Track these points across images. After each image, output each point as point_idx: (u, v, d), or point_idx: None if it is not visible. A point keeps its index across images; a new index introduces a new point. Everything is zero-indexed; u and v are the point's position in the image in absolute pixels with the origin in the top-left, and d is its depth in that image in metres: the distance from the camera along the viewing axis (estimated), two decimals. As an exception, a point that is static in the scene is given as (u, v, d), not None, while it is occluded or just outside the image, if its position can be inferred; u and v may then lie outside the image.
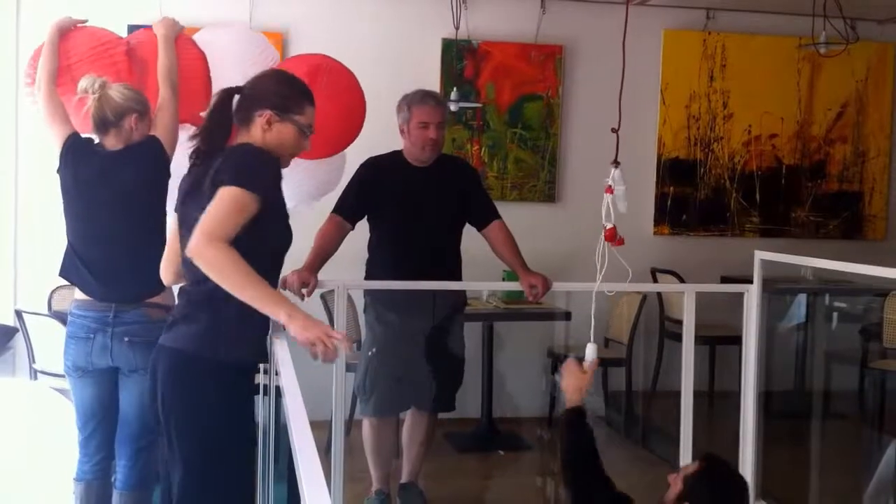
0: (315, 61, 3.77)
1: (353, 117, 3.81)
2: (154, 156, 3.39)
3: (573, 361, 3.09)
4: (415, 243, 4.07)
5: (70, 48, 3.65)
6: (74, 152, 3.45)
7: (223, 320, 2.61)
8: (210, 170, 2.62)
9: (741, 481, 2.65)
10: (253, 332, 2.69)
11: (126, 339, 3.34)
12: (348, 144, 3.89)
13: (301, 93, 2.80)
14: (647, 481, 2.51)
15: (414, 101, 4.11)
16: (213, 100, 2.82)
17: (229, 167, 2.58)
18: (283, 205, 2.78)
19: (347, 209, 4.05)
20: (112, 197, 3.37)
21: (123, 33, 5.66)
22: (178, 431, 2.65)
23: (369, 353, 4.25)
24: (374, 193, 4.09)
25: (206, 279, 2.51)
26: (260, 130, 2.71)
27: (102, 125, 3.38)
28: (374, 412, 4.27)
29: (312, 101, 2.81)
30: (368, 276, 4.19)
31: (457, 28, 6.02)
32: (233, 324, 2.60)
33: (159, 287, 3.13)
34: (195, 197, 2.64)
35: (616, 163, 3.17)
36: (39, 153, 5.73)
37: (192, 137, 2.80)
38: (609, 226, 3.08)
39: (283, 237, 2.77)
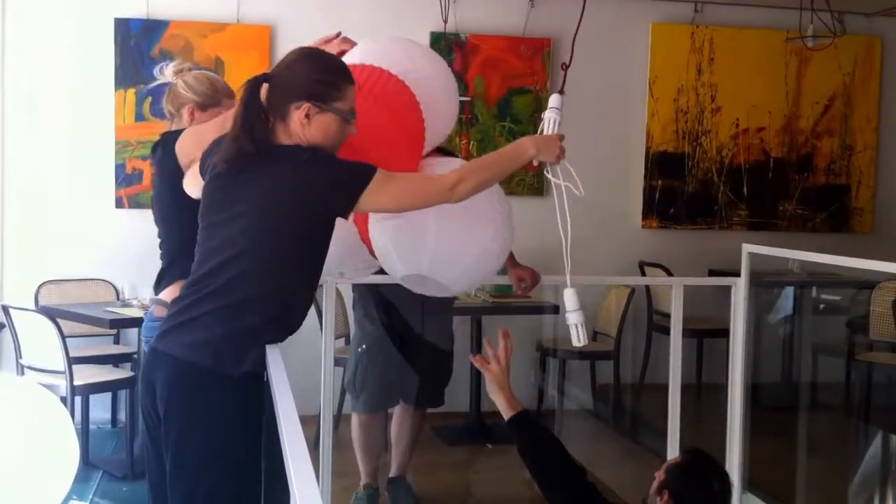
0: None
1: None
2: (164, 147, 3.16)
3: (481, 359, 2.74)
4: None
5: None
6: None
7: (237, 332, 2.43)
8: (258, 169, 2.42)
9: (723, 473, 2.66)
10: (266, 342, 2.47)
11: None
12: None
13: (340, 75, 2.53)
14: (636, 473, 2.51)
15: None
16: (242, 93, 2.48)
17: (336, 167, 2.45)
18: None
19: None
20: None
21: (110, 27, 5.69)
22: (183, 446, 2.46)
23: (359, 350, 4.25)
24: None
25: (229, 284, 2.42)
26: (299, 125, 2.45)
27: (169, 115, 3.31)
28: (364, 408, 4.27)
29: (351, 80, 2.53)
30: (356, 271, 4.18)
31: (445, 21, 6.02)
32: (248, 336, 2.44)
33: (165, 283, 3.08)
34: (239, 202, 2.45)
35: (561, 91, 3.02)
36: (25, 149, 5.72)
37: (233, 141, 2.46)
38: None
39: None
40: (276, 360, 2.46)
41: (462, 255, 2.72)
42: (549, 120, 2.77)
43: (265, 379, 2.46)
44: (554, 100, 2.79)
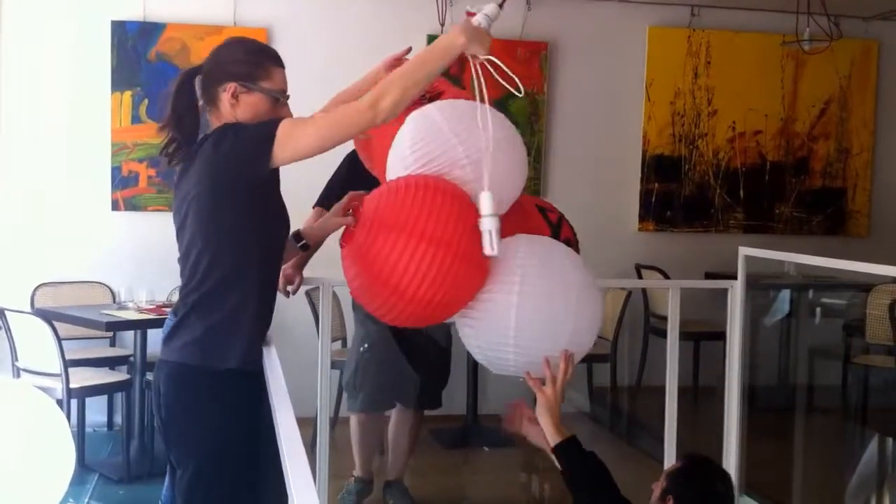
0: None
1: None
2: None
3: (536, 380, 2.49)
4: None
5: None
6: None
7: (213, 325, 2.44)
8: (193, 160, 2.45)
9: (724, 474, 2.67)
10: (247, 335, 2.48)
11: None
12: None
13: (263, 55, 2.55)
14: (633, 476, 2.51)
15: None
16: (174, 84, 2.54)
17: (245, 130, 2.42)
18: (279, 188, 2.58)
19: (332, 202, 4.01)
20: None
21: (107, 29, 5.68)
22: (182, 446, 2.51)
23: (361, 350, 4.25)
24: (358, 186, 4.05)
25: (200, 281, 2.45)
26: (228, 107, 2.48)
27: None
28: (361, 408, 4.29)
29: (279, 62, 2.54)
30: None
31: (442, 24, 6.02)
32: (224, 328, 2.45)
33: None
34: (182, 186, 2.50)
35: (500, 5, 2.76)
36: (22, 151, 5.71)
37: (161, 129, 2.53)
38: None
39: (284, 221, 2.61)
40: (273, 363, 2.46)
41: (542, 349, 2.49)
42: (477, 24, 2.56)
43: (260, 379, 2.47)
44: (489, 7, 2.55)
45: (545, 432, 2.50)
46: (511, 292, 2.42)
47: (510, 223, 2.61)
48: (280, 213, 2.60)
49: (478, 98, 2.58)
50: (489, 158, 2.48)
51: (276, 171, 2.48)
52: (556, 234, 2.80)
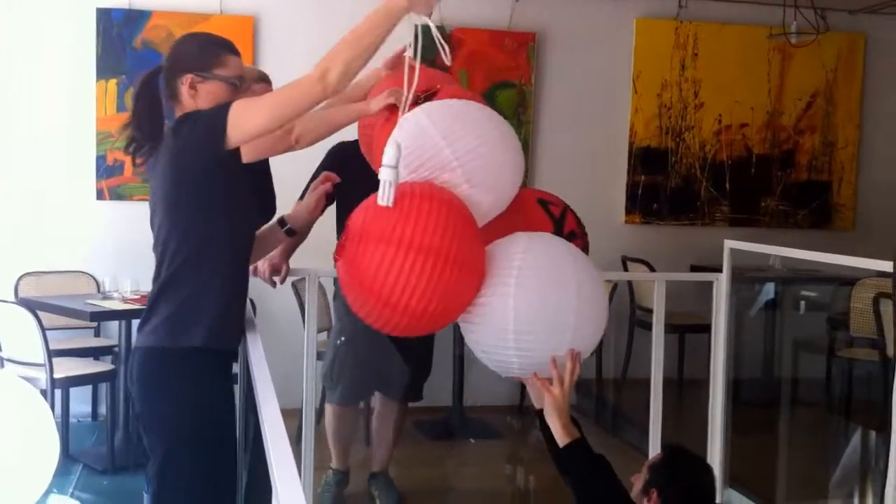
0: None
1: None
2: None
3: (543, 380, 2.46)
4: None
5: None
6: None
7: (178, 306, 2.51)
8: (160, 151, 2.54)
9: (706, 465, 2.68)
10: (212, 313, 2.53)
11: None
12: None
13: (215, 45, 2.62)
14: (617, 468, 2.51)
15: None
16: (136, 85, 2.64)
17: (201, 115, 2.49)
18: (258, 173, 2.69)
19: None
20: None
21: (92, 16, 5.64)
22: (152, 430, 2.56)
23: (338, 342, 4.25)
24: (341, 179, 4.04)
25: (169, 264, 2.51)
26: (188, 98, 2.55)
27: None
28: (339, 400, 4.29)
29: (233, 50, 2.63)
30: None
31: (428, 15, 5.99)
32: (187, 308, 2.51)
33: None
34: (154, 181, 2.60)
35: None
36: (5, 140, 5.67)
37: (124, 128, 2.64)
38: None
39: (262, 205, 2.70)
40: (258, 354, 2.46)
41: (545, 349, 2.45)
42: None
43: (229, 358, 2.57)
44: None
45: (553, 432, 2.47)
46: (507, 294, 2.37)
47: (508, 222, 2.59)
48: (249, 197, 2.65)
49: (409, 57, 2.66)
50: (405, 108, 2.55)
51: (240, 156, 2.58)
52: (559, 228, 2.76)
